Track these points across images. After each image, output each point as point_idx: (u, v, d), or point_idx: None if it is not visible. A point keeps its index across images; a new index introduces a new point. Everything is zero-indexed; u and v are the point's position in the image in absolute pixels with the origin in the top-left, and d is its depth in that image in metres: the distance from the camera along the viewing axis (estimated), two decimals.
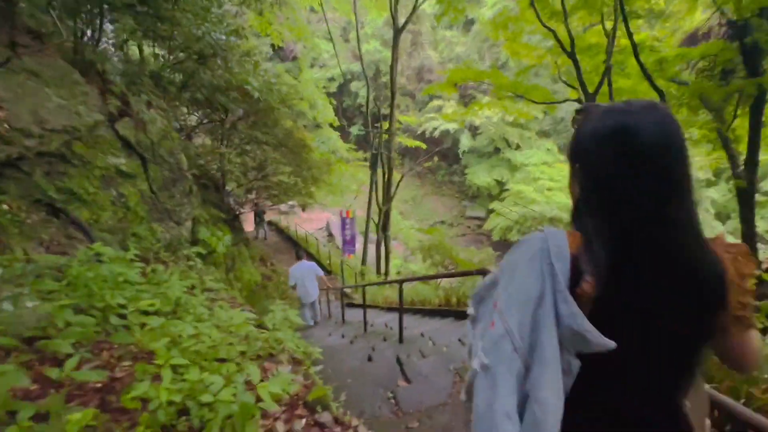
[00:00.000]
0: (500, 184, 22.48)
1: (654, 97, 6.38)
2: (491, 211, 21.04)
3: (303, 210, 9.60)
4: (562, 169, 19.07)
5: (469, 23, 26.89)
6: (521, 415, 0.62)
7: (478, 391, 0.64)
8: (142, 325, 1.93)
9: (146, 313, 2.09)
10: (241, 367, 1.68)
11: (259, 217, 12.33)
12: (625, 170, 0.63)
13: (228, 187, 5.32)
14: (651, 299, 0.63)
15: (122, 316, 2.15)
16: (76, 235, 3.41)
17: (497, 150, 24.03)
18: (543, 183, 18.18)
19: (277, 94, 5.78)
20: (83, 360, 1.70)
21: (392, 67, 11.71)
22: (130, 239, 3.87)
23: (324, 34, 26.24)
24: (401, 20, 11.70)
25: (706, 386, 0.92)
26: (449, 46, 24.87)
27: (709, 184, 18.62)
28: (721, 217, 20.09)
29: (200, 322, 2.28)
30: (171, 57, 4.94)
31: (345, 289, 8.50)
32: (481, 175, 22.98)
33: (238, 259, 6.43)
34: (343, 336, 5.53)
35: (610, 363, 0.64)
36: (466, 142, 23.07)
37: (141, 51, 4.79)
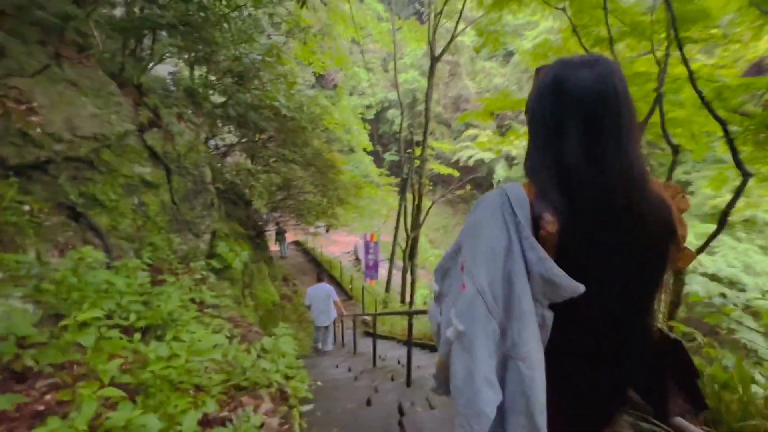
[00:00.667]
0: None
1: (714, 129, 5.78)
2: None
3: (327, 231, 9.51)
4: None
5: (509, 55, 26.96)
6: (502, 380, 0.61)
7: (455, 360, 0.64)
8: (100, 340, 1.73)
9: (120, 326, 1.91)
10: (201, 401, 1.42)
11: (279, 234, 12.40)
12: (559, 115, 0.68)
13: (255, 204, 5.30)
14: (604, 238, 0.65)
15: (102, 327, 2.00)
16: (93, 241, 3.42)
17: None
18: None
19: (307, 114, 5.83)
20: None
21: (428, 95, 11.74)
22: (146, 248, 3.85)
23: (365, 64, 27.36)
24: (438, 50, 11.84)
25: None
26: (487, 76, 24.93)
27: None
28: None
29: (181, 342, 2.08)
30: (209, 75, 5.13)
31: (362, 317, 8.15)
32: None
33: (256, 277, 6.34)
34: (349, 369, 5.15)
35: (578, 308, 0.64)
36: (501, 171, 22.47)
37: (178, 67, 5.03)
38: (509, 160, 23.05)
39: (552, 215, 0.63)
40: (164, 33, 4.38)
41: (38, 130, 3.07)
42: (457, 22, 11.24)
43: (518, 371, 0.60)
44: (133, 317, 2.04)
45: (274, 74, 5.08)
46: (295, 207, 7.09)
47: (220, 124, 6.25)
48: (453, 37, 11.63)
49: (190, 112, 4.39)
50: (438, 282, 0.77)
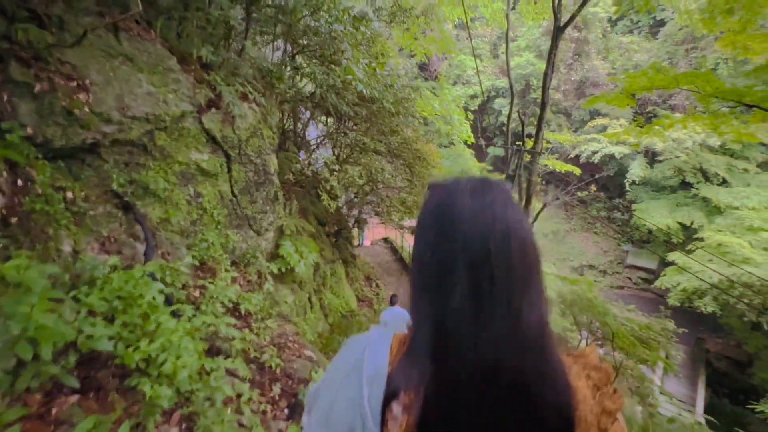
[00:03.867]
0: (687, 229, 16.71)
1: None
2: (667, 264, 15.75)
3: (413, 233, 8.52)
4: None
5: (657, 25, 21.67)
6: None
7: None
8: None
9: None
10: None
11: (359, 224, 11.97)
12: (440, 255, 0.55)
13: (324, 201, 4.61)
14: (479, 423, 0.51)
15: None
16: (141, 234, 3.08)
17: (685, 184, 18.11)
18: (767, 236, 12.44)
19: (392, 95, 4.89)
20: None
21: (546, 74, 9.70)
22: (199, 245, 3.42)
23: (472, 50, 25.37)
24: (565, 19, 9.65)
25: None
26: (625, 53, 20.39)
27: None
28: None
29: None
30: (296, 56, 4.58)
31: None
32: (656, 215, 17.59)
33: (330, 279, 5.73)
34: None
35: None
36: (638, 170, 18.12)
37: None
38: (650, 156, 18.50)
39: (407, 406, 0.51)
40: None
41: (86, 109, 2.76)
42: None
43: None
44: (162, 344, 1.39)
45: (355, 46, 4.24)
46: (377, 203, 6.32)
47: (305, 111, 5.79)
48: (585, 2, 9.28)
49: (259, 93, 3.83)
50: (306, 411, 0.67)
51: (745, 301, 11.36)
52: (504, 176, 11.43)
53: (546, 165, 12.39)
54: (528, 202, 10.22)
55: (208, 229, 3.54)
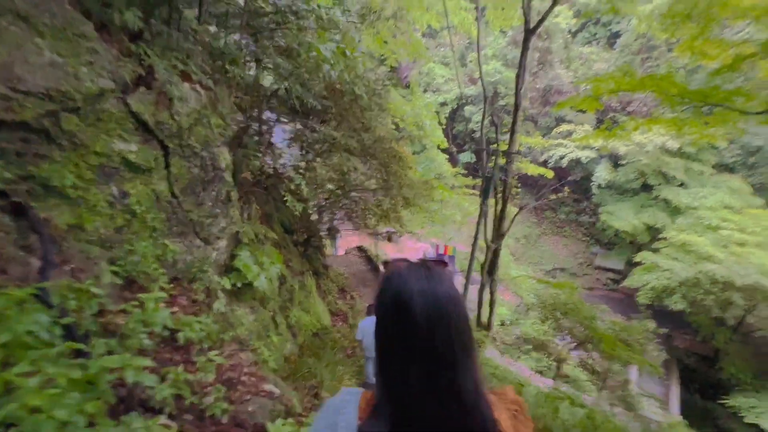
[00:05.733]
0: (651, 229, 17.30)
1: None
2: (633, 264, 16.18)
3: (389, 240, 8.03)
4: (760, 218, 13.44)
5: (614, 37, 22.83)
6: None
7: None
8: None
9: None
10: None
11: (331, 234, 11.39)
12: (398, 333, 0.68)
13: (291, 203, 4.00)
14: None
15: None
16: (38, 246, 2.35)
17: (646, 187, 18.86)
18: (727, 234, 12.95)
19: (365, 86, 4.40)
20: None
21: (519, 76, 9.64)
22: (126, 258, 2.71)
23: (440, 59, 25.62)
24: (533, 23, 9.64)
25: None
26: (586, 63, 21.26)
27: None
28: None
29: None
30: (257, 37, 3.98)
31: None
32: (622, 217, 18.14)
33: (299, 293, 5.07)
34: None
35: None
36: (603, 174, 18.68)
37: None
38: (614, 160, 19.15)
39: None
40: None
41: None
42: None
43: None
44: None
45: (321, 27, 3.71)
46: (350, 207, 5.76)
47: (270, 114, 5.17)
48: (555, 2, 9.31)
49: (206, 75, 3.19)
50: None
51: (712, 297, 11.69)
52: (480, 181, 11.23)
53: (520, 168, 12.32)
54: (504, 205, 10.00)
55: (140, 237, 2.83)
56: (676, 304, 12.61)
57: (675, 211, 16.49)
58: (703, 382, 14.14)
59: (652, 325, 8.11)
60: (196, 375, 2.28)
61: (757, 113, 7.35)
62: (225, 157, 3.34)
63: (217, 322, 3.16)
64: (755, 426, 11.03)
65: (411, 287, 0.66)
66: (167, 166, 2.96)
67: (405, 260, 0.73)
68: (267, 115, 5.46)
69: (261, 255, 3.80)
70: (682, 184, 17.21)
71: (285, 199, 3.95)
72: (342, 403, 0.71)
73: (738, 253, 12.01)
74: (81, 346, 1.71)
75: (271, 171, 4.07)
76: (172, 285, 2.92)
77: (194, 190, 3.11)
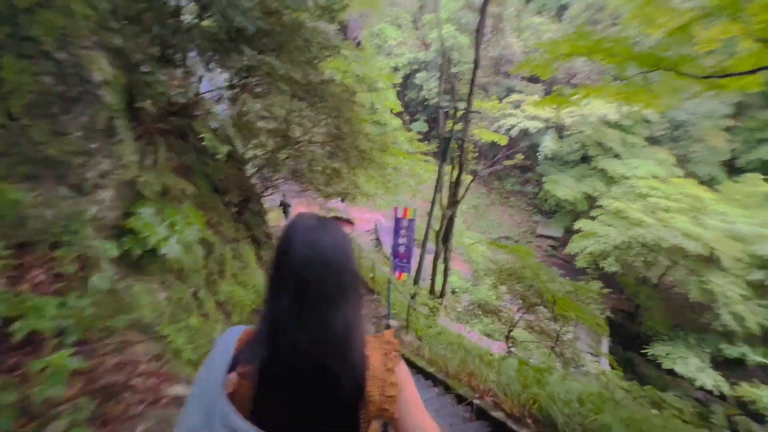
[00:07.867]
0: (590, 199, 18.38)
1: None
2: (572, 231, 17.17)
3: (342, 200, 7.25)
4: (682, 186, 14.73)
5: (563, 9, 23.14)
6: None
7: None
8: None
9: None
10: None
11: (284, 207, 10.43)
12: (280, 272, 0.76)
13: (215, 150, 3.01)
14: (297, 395, 0.74)
15: None
16: None
17: (585, 159, 19.89)
18: (655, 201, 14.03)
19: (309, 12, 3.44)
20: None
21: (479, 31, 9.02)
22: None
23: (392, 21, 24.23)
24: None
25: None
26: (536, 33, 21.34)
27: None
28: None
29: None
30: None
31: (390, 322, 6.00)
32: (563, 187, 19.03)
33: (232, 264, 4.17)
34: None
35: None
36: (550, 144, 19.28)
37: None
38: (559, 131, 19.80)
39: (241, 373, 0.74)
40: None
41: None
42: None
43: None
44: None
45: None
46: (295, 167, 4.84)
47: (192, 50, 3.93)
48: None
49: None
50: None
51: (642, 258, 12.68)
52: (433, 146, 10.73)
53: (474, 135, 12.01)
54: (461, 171, 9.64)
55: None
56: (611, 266, 13.57)
57: (610, 180, 17.60)
58: (625, 335, 15.69)
59: (597, 285, 8.48)
60: (36, 389, 1.42)
61: (703, 77, 7.51)
62: (102, 67, 2.28)
63: (102, 303, 2.23)
64: (670, 371, 12.47)
65: (297, 232, 0.76)
66: None
67: (312, 214, 0.80)
68: (192, 55, 4.23)
69: (173, 214, 2.84)
70: (617, 156, 18.34)
71: (201, 137, 2.95)
72: (224, 337, 0.81)
73: (664, 219, 13.06)
74: None
75: (184, 101, 2.99)
76: (13, 251, 1.93)
77: (48, 111, 2.05)
